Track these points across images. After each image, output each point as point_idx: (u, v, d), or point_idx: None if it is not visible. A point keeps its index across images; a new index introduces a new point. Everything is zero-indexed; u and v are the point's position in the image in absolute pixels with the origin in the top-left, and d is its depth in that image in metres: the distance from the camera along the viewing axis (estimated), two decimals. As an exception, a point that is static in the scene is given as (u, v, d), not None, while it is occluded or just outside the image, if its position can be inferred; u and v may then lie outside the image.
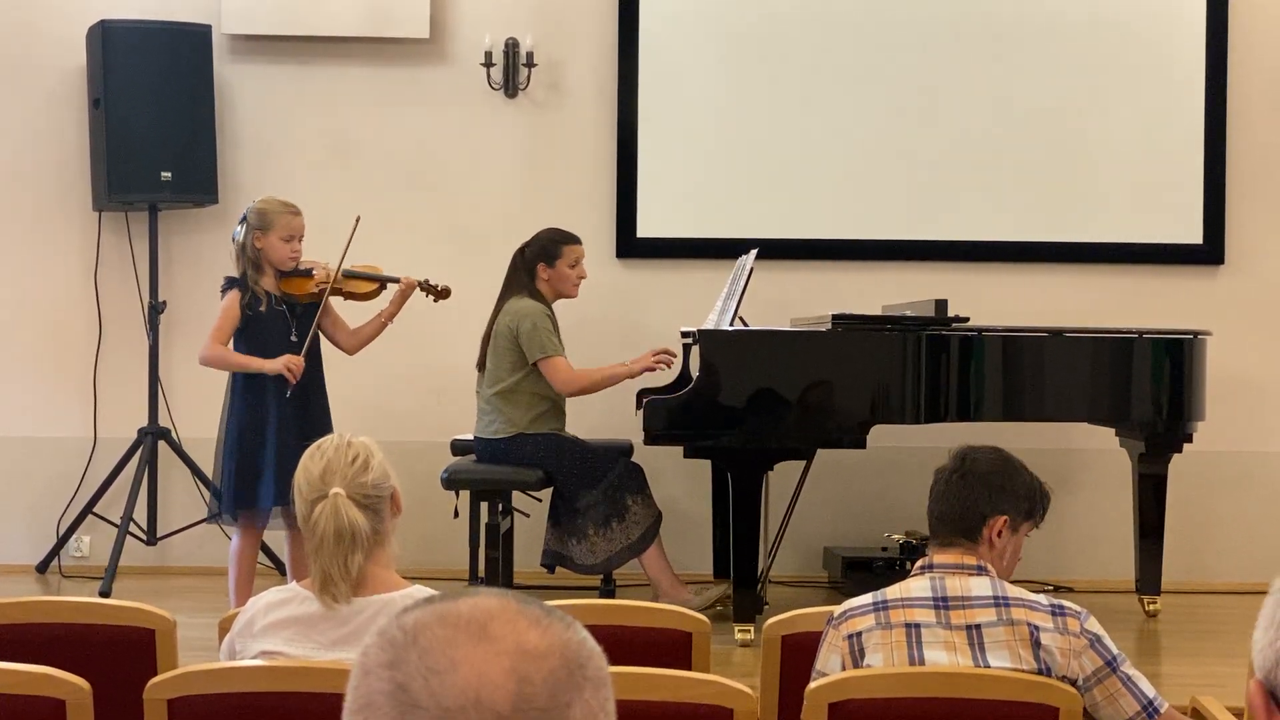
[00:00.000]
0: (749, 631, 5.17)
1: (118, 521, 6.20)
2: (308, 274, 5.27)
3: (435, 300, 5.57)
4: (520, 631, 1.08)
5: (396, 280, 5.45)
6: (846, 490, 6.50)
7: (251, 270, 5.18)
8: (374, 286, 5.45)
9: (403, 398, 6.58)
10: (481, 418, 5.72)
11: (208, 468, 6.05)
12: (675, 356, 5.86)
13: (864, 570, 6.06)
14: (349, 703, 1.08)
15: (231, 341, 5.22)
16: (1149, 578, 5.78)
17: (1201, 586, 6.44)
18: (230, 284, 5.23)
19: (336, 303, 5.42)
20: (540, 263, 5.69)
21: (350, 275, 5.38)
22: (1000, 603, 2.80)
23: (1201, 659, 5.17)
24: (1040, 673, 2.74)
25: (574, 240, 5.76)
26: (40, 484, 6.61)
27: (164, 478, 6.49)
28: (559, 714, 1.06)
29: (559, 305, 5.86)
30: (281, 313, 5.22)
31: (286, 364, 5.10)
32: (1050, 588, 6.03)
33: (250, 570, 5.23)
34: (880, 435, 5.38)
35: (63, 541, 6.47)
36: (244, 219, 5.23)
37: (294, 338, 5.22)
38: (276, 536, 5.67)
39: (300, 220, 5.22)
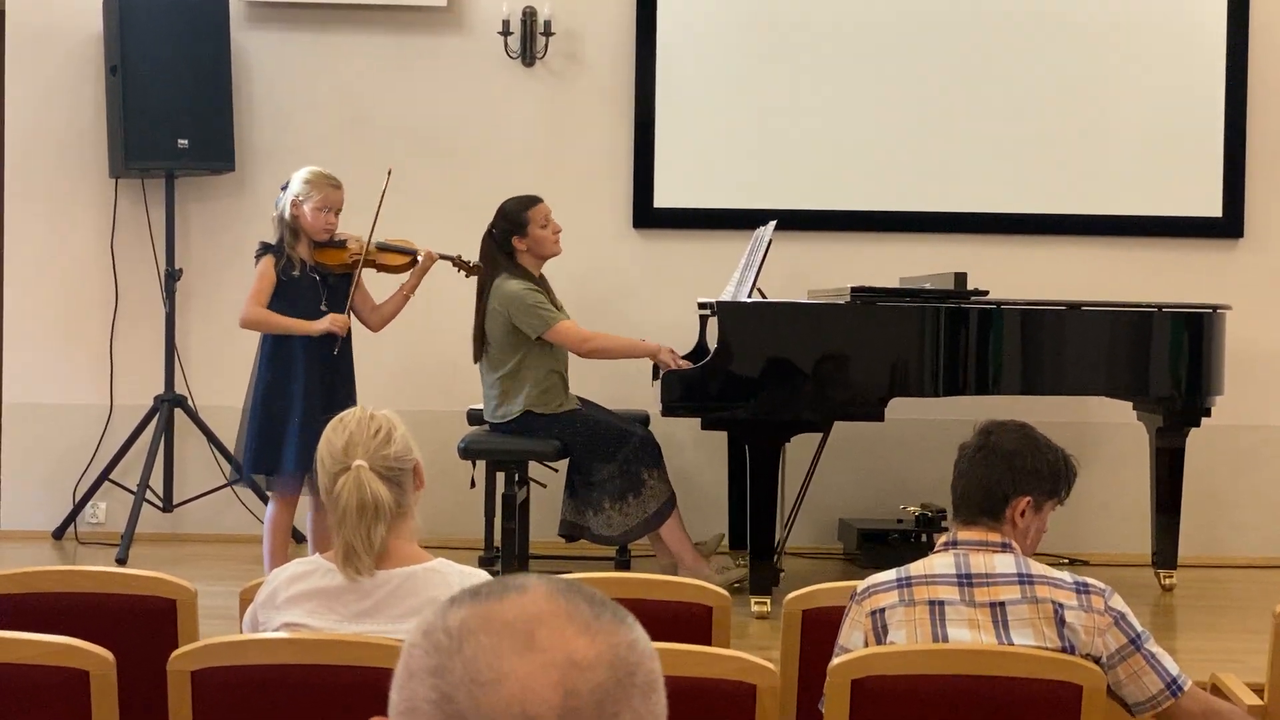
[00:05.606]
0: (765, 604, 5.17)
1: (134, 488, 6.22)
2: (341, 245, 5.27)
3: (467, 275, 5.55)
4: (568, 640, 1.07)
5: None
6: (863, 463, 6.50)
7: (288, 235, 5.18)
8: (406, 260, 5.42)
9: (419, 368, 6.57)
10: (488, 402, 5.67)
11: (224, 435, 6.06)
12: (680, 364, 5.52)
13: (879, 542, 6.07)
14: (395, 702, 1.09)
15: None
16: (1165, 552, 5.77)
17: (1218, 561, 6.43)
18: (265, 249, 5.22)
19: (368, 274, 5.39)
20: (513, 236, 5.62)
21: (383, 248, 5.36)
22: (1024, 580, 2.79)
23: (1218, 633, 5.16)
24: (1064, 650, 2.73)
25: (535, 201, 5.66)
26: (57, 451, 6.62)
27: (180, 445, 6.51)
28: None
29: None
30: (314, 281, 5.21)
31: (333, 321, 5.11)
32: (1066, 561, 6.03)
33: (284, 539, 5.22)
34: (898, 408, 5.36)
35: (79, 508, 6.49)
36: (286, 185, 5.24)
37: (324, 306, 5.20)
38: (299, 509, 5.67)
39: (340, 194, 5.20)
